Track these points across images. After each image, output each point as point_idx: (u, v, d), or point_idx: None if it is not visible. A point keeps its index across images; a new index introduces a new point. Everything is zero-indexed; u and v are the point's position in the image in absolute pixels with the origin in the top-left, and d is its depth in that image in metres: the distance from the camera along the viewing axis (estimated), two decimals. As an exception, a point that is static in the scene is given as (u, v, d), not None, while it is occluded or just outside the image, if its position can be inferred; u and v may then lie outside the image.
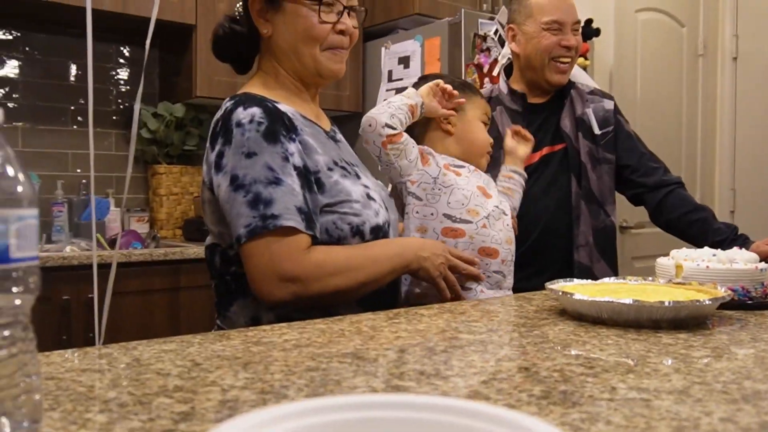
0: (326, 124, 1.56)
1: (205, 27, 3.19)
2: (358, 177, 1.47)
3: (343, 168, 1.44)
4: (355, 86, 3.80)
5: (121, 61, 3.56)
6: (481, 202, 1.61)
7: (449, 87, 1.64)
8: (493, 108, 2.17)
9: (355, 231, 1.39)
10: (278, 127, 1.35)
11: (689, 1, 4.42)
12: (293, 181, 1.32)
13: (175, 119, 3.46)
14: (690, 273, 1.37)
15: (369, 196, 1.44)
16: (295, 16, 1.44)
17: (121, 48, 3.55)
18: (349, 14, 1.49)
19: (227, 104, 1.40)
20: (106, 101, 3.50)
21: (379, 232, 1.43)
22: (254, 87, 1.49)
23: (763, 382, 0.79)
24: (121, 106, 3.55)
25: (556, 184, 2.12)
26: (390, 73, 3.60)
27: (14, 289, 0.57)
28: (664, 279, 1.40)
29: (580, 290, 1.25)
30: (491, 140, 1.75)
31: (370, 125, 1.55)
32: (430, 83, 1.64)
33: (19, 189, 0.57)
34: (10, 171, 0.57)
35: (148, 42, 1.59)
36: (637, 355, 0.94)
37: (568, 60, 2.12)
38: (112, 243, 3.09)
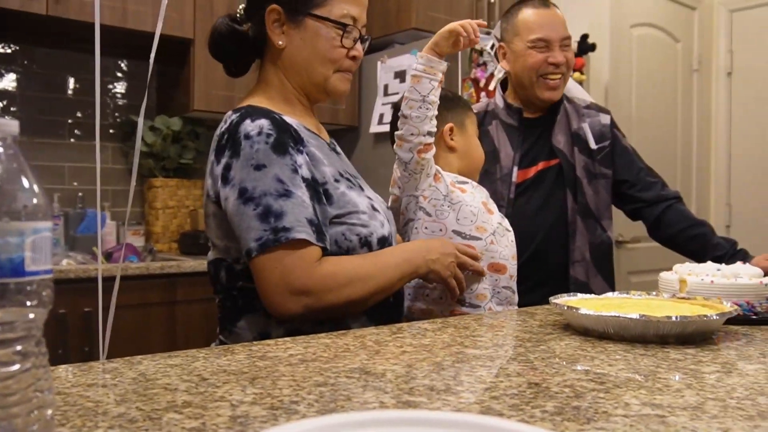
0: (326, 136, 1.56)
1: (203, 41, 3.15)
2: (362, 189, 1.47)
3: (348, 180, 1.44)
4: (351, 100, 3.79)
5: (119, 74, 3.56)
6: (486, 218, 1.61)
7: (474, 26, 1.58)
8: (489, 122, 2.17)
9: (363, 242, 1.39)
10: (286, 138, 1.35)
11: (684, 17, 4.45)
12: (303, 193, 1.31)
13: (171, 133, 3.45)
14: (694, 288, 1.37)
15: (374, 208, 1.44)
16: (315, 36, 1.45)
17: (119, 62, 3.55)
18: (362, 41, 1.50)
19: (232, 117, 1.38)
20: (103, 115, 3.49)
21: (385, 243, 1.44)
22: (257, 99, 1.47)
23: (775, 398, 0.79)
24: (118, 120, 3.54)
25: (553, 199, 2.11)
26: (386, 87, 3.60)
27: (28, 303, 0.57)
28: (667, 294, 1.40)
29: (585, 305, 1.24)
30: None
31: (412, 133, 1.53)
32: (453, 28, 1.55)
33: (35, 201, 0.56)
34: (26, 183, 0.57)
35: (152, 57, 1.59)
36: (647, 370, 0.93)
37: (558, 77, 2.10)
38: (107, 256, 3.08)
